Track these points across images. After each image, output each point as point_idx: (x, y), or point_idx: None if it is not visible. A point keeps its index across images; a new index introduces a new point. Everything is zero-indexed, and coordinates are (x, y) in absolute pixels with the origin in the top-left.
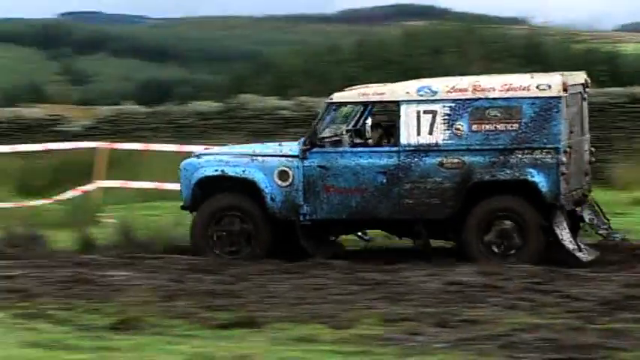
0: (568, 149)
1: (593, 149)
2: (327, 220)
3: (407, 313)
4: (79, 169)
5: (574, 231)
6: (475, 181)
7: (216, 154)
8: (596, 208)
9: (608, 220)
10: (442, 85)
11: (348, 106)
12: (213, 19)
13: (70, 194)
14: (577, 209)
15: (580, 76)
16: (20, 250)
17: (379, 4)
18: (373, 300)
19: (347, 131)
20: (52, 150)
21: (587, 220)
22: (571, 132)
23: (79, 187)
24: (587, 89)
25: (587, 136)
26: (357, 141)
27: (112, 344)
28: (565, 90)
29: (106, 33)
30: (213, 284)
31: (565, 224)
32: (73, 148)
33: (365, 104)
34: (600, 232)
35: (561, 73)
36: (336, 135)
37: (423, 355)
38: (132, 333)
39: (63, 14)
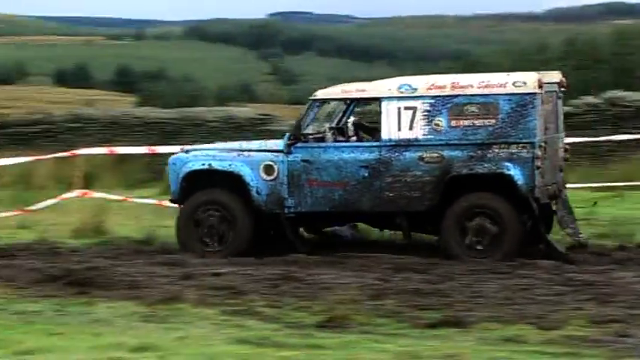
0: (543, 144)
1: (567, 147)
2: (311, 212)
3: (616, 315)
4: None
5: (548, 225)
6: (453, 175)
7: (204, 149)
8: (568, 205)
9: (575, 219)
10: (422, 82)
11: (332, 103)
12: (421, 19)
13: None
14: (553, 203)
15: (556, 75)
16: None
17: (588, 3)
18: (581, 301)
19: (330, 129)
20: None
21: (559, 216)
22: (546, 128)
23: None
24: (562, 88)
25: (562, 134)
26: (340, 139)
27: (319, 342)
28: (540, 87)
29: (313, 33)
30: (420, 283)
31: (541, 217)
32: None
33: (347, 101)
34: (567, 230)
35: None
36: (319, 132)
37: (632, 357)
38: (339, 331)
39: (272, 14)
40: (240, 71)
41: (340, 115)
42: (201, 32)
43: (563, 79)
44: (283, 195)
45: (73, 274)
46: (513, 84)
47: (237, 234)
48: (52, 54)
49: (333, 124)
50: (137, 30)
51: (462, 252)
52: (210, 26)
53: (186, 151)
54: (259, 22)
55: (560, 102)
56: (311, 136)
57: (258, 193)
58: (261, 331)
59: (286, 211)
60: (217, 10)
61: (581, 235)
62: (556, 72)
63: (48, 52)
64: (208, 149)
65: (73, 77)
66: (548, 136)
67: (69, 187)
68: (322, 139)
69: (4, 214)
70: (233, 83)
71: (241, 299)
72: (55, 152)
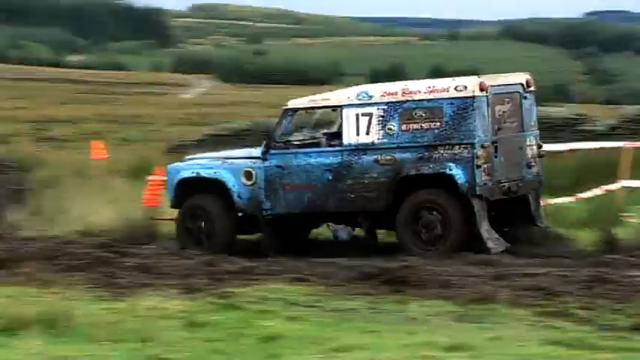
0: (488, 144)
1: (540, 144)
2: (286, 214)
3: None
4: (603, 169)
5: (527, 217)
6: (403, 176)
7: (198, 157)
8: (539, 200)
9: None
10: (377, 89)
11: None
12: None
13: (593, 193)
14: (523, 198)
15: (516, 77)
16: (544, 248)
17: None
18: None
19: (324, 134)
20: (577, 149)
21: (532, 209)
22: (499, 129)
23: (602, 187)
24: (530, 88)
25: (531, 132)
26: (334, 142)
27: (634, 345)
28: (483, 90)
29: (632, 32)
30: None
31: (483, 213)
32: (597, 148)
33: (314, 109)
34: (538, 223)
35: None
36: (314, 138)
37: None
38: None
39: (588, 13)
40: (553, 71)
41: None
42: (515, 32)
43: (530, 80)
44: (261, 199)
45: (388, 272)
46: (455, 88)
47: (218, 234)
48: (366, 55)
49: (330, 130)
50: (450, 30)
51: (414, 246)
52: (525, 26)
53: (185, 160)
54: (575, 21)
55: (527, 102)
56: (296, 142)
57: (239, 197)
58: (574, 333)
59: (264, 213)
60: (533, 9)
61: (550, 230)
62: (522, 73)
63: (363, 53)
64: (201, 158)
65: (388, 77)
66: (503, 135)
67: None
68: (318, 145)
69: None
70: (548, 83)
71: (554, 300)
72: None
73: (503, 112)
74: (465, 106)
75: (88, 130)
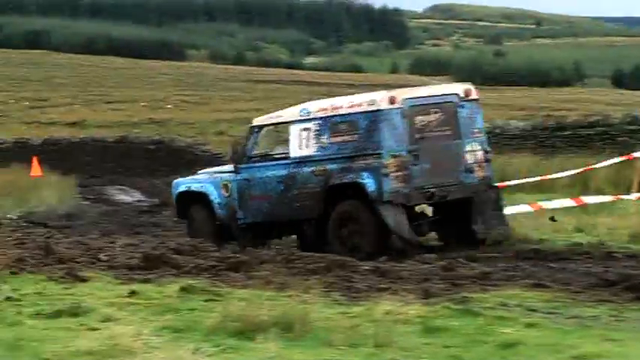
0: (401, 153)
1: (487, 149)
2: (253, 223)
3: None
4: None
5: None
6: (330, 185)
7: (202, 172)
8: (489, 203)
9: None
10: (314, 106)
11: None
12: None
13: None
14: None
15: (451, 88)
16: None
17: None
18: None
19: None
20: None
21: (472, 212)
22: (422, 137)
23: None
24: (469, 98)
25: (473, 139)
26: (284, 156)
27: None
28: (392, 103)
29: None
30: None
31: (396, 216)
32: None
33: (274, 126)
34: (475, 226)
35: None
36: (275, 153)
37: None
38: None
39: None
40: None
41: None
42: None
43: (469, 90)
44: (235, 209)
45: (630, 279)
46: (367, 103)
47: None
48: (609, 55)
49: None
50: None
51: (341, 250)
52: None
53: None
54: None
55: (465, 110)
56: (258, 157)
57: (220, 208)
58: None
59: (239, 222)
60: None
61: (500, 231)
62: (460, 84)
63: (605, 54)
64: (203, 172)
65: (631, 79)
66: (427, 144)
67: (627, 190)
68: (276, 159)
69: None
70: None
71: None
72: (611, 155)
73: (429, 121)
74: (374, 118)
75: None
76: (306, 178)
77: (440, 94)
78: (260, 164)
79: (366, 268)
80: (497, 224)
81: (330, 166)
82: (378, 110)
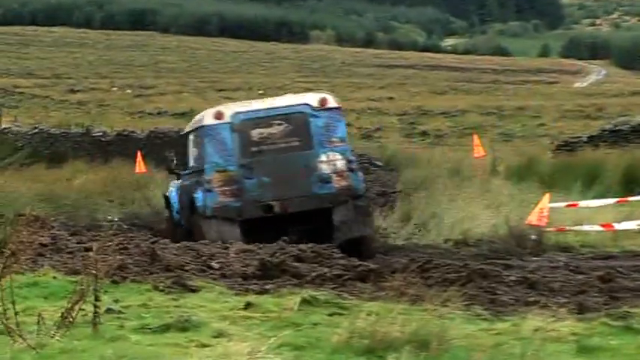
0: (226, 169)
1: (350, 158)
2: (185, 228)
3: None
4: None
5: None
6: (184, 200)
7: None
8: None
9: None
10: (197, 117)
11: None
12: None
13: None
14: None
15: (301, 98)
16: None
17: None
18: None
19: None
20: None
21: (335, 221)
22: (258, 151)
23: None
24: (325, 107)
25: (330, 148)
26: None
27: None
28: (218, 118)
29: None
30: None
31: (219, 230)
32: None
33: (187, 134)
34: (335, 235)
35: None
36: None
37: None
38: None
39: None
40: None
41: None
42: None
43: (325, 99)
44: (179, 212)
45: None
46: (196, 120)
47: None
48: None
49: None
50: None
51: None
52: None
53: None
54: None
55: (319, 120)
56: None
57: (176, 210)
58: None
59: (182, 226)
60: None
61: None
62: (315, 94)
63: None
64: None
65: None
66: (263, 157)
67: None
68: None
69: None
70: None
71: None
72: None
73: (271, 134)
74: (200, 134)
75: (465, 124)
76: (189, 188)
77: (286, 105)
78: (182, 172)
79: (513, 278)
80: (361, 229)
81: (192, 179)
82: (202, 127)
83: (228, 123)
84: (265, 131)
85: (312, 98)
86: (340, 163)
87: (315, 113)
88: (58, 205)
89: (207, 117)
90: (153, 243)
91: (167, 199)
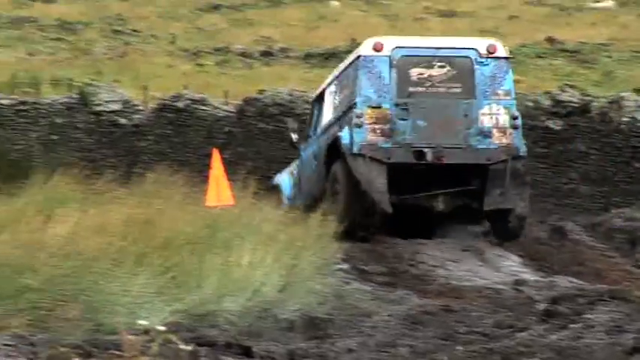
0: (381, 105)
1: (514, 114)
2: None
3: None
4: None
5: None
6: (327, 145)
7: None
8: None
9: None
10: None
11: None
12: None
13: None
14: None
15: (468, 42)
16: None
17: None
18: None
19: None
20: None
21: (487, 182)
22: (416, 92)
23: None
24: (493, 55)
25: (494, 100)
26: None
27: None
28: (376, 50)
29: None
30: None
31: (369, 172)
32: None
33: (319, 97)
34: (503, 203)
35: None
36: None
37: None
38: None
39: None
40: None
41: None
42: None
43: (493, 46)
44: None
45: None
46: (355, 52)
47: None
48: None
49: None
50: None
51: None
52: None
53: None
54: None
55: (486, 68)
56: None
57: (287, 197)
58: None
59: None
60: None
61: (513, 206)
62: (484, 39)
63: None
64: None
65: None
66: (422, 99)
67: None
68: None
69: None
70: None
71: None
72: None
73: (431, 75)
74: (355, 67)
75: None
76: (321, 146)
77: (451, 46)
78: (308, 142)
79: None
80: (514, 199)
81: (334, 128)
82: (358, 57)
83: (387, 56)
84: (426, 72)
85: (481, 44)
86: (503, 118)
87: (481, 60)
88: (15, 291)
89: (364, 47)
90: None
91: (275, 187)
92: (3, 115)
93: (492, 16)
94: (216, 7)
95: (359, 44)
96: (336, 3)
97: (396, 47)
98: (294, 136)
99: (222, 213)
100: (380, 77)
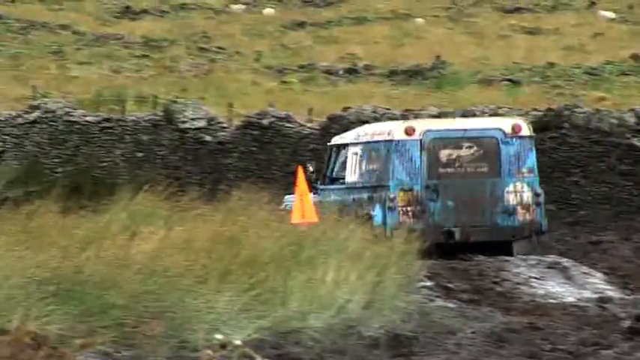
0: (412, 188)
1: (537, 191)
2: None
3: None
4: None
5: None
6: (357, 215)
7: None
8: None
9: None
10: (366, 129)
11: None
12: None
13: None
14: None
15: (494, 122)
16: None
17: None
18: None
19: None
20: None
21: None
22: (446, 173)
23: None
24: (518, 134)
25: (518, 178)
26: None
27: None
28: (408, 134)
29: None
30: None
31: None
32: None
33: (342, 146)
34: None
35: None
36: None
37: None
38: None
39: None
40: None
41: None
42: None
43: (517, 126)
44: None
45: None
46: (387, 132)
47: None
48: None
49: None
50: None
51: None
52: None
53: None
54: None
55: (511, 147)
56: None
57: None
58: None
59: None
60: None
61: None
62: (508, 119)
63: None
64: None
65: None
66: (451, 180)
67: None
68: None
69: None
70: None
71: None
72: None
73: (459, 156)
74: (388, 149)
75: None
76: (349, 205)
77: (478, 127)
78: (330, 186)
79: None
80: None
81: (362, 195)
82: (391, 141)
83: (418, 140)
84: (454, 152)
85: (506, 124)
86: (527, 195)
87: (506, 140)
88: (101, 308)
89: (396, 131)
90: None
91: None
92: (88, 132)
93: (577, 33)
94: (300, 25)
95: (444, 62)
96: (421, 20)
97: (427, 130)
98: (313, 176)
99: (306, 230)
100: (411, 160)
